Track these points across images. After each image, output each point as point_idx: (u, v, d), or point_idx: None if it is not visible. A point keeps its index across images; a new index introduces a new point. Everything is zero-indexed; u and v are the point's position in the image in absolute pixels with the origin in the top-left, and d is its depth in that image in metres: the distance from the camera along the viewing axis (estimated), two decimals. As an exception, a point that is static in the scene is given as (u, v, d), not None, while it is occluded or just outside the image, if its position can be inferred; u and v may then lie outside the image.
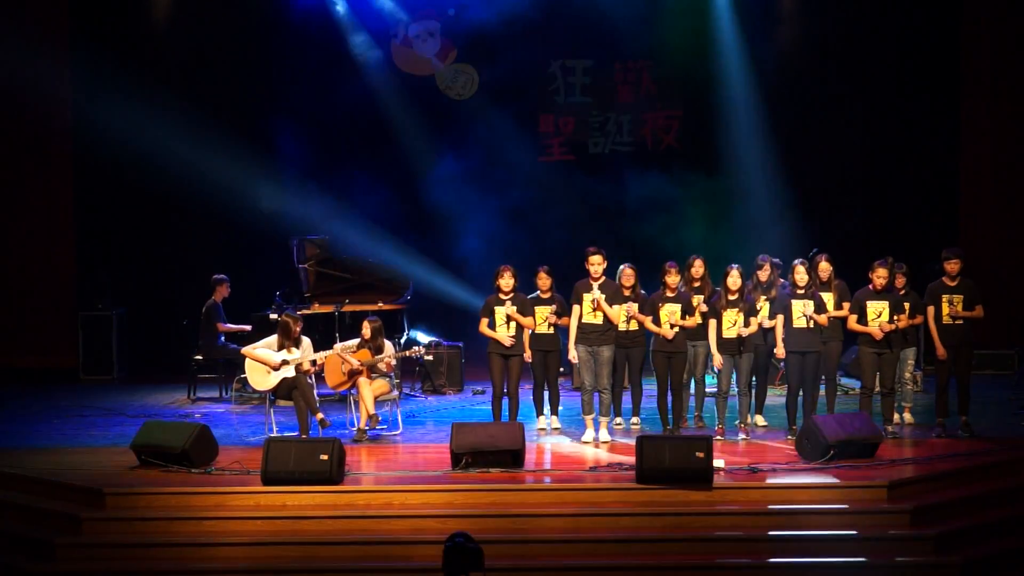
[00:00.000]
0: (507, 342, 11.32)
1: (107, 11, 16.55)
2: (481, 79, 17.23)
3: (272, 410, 11.78)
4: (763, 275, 11.56)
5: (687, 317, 11.13)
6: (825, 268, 11.41)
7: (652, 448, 9.65)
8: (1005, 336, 15.23)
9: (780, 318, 11.20)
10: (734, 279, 11.16)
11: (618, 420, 11.96)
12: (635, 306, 11.31)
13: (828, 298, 11.32)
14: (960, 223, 16.28)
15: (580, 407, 11.47)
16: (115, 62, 15.95)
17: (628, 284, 11.40)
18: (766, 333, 11.35)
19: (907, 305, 11.34)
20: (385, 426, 11.83)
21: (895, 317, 11.16)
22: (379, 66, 17.04)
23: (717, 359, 11.19)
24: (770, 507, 9.48)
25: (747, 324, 11.14)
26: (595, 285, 11.18)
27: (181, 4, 16.81)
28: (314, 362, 11.36)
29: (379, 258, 14.96)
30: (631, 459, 9.86)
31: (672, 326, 11.08)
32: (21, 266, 16.27)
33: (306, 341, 11.45)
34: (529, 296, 11.66)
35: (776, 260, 12.63)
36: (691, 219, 16.58)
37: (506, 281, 11.42)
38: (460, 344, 14.48)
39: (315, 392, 11.37)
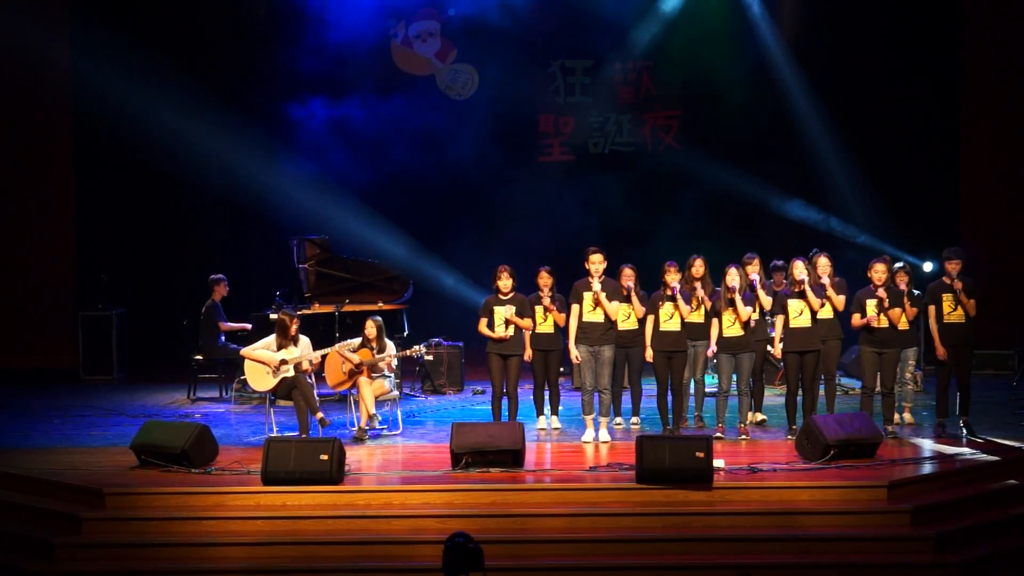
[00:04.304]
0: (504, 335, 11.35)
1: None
2: (481, 79, 17.24)
3: (272, 410, 11.78)
4: (751, 270, 11.54)
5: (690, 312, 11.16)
6: (825, 265, 11.39)
7: (652, 448, 9.65)
8: (1005, 336, 15.22)
9: (780, 318, 11.21)
10: (732, 278, 11.16)
11: (618, 420, 11.96)
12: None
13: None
14: (960, 223, 16.27)
15: (580, 407, 11.47)
16: (116, 47, 15.95)
17: (627, 284, 11.38)
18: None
19: (907, 301, 11.31)
20: (385, 426, 11.83)
21: (887, 310, 11.13)
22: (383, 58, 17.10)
23: (712, 350, 11.21)
24: (770, 507, 9.48)
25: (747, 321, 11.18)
26: (595, 280, 11.15)
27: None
28: (312, 361, 11.35)
29: (379, 258, 14.97)
30: (631, 459, 9.85)
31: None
32: (21, 266, 16.25)
33: (305, 340, 11.45)
34: (529, 296, 11.67)
35: (778, 262, 12.64)
36: (691, 219, 16.60)
37: (505, 282, 11.43)
38: (460, 344, 14.48)
39: (315, 392, 11.36)
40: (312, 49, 16.64)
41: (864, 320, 11.19)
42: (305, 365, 11.29)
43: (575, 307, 11.27)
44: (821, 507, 9.50)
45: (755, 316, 11.29)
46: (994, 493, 10.03)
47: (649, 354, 11.21)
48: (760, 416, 11.91)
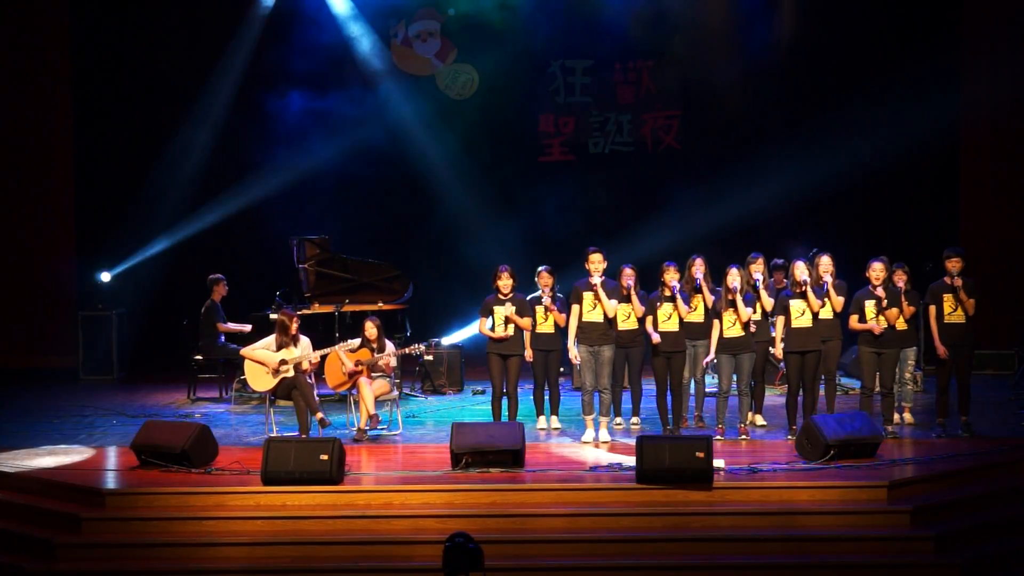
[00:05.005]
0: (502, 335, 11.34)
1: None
2: (481, 79, 17.24)
3: (272, 410, 11.78)
4: (755, 270, 11.55)
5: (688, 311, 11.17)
6: (827, 264, 11.39)
7: (652, 448, 9.65)
8: (1005, 336, 15.22)
9: (781, 319, 11.22)
10: (733, 278, 11.16)
11: (618, 420, 11.96)
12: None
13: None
14: (960, 223, 16.27)
15: (580, 407, 11.47)
16: (117, 46, 16.02)
17: (627, 283, 11.38)
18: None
19: (905, 300, 11.31)
20: (385, 426, 11.83)
21: (885, 310, 11.14)
22: (380, 59, 17.10)
23: (710, 356, 11.22)
24: (770, 507, 9.48)
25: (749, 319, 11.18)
26: (596, 276, 11.14)
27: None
28: (311, 361, 11.35)
29: (379, 257, 14.97)
30: (631, 459, 9.86)
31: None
32: (21, 266, 16.27)
33: (305, 340, 11.44)
34: (529, 296, 11.67)
35: (778, 260, 12.65)
36: (691, 219, 16.59)
37: (504, 282, 11.44)
38: (460, 344, 14.46)
39: (315, 392, 11.36)
40: (311, 49, 16.63)
41: (865, 326, 11.19)
42: (305, 365, 11.28)
43: (575, 307, 11.27)
44: (821, 507, 9.50)
45: (756, 317, 11.28)
46: (994, 493, 10.02)
47: (656, 337, 11.14)
48: (760, 420, 11.89)
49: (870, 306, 11.22)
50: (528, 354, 11.54)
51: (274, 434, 11.39)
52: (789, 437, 11.12)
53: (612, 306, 11.19)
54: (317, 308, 14.17)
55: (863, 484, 9.63)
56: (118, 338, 15.80)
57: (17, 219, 16.28)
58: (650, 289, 11.48)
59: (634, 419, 12.05)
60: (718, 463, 9.78)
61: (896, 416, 11.58)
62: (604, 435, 11.24)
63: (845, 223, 16.39)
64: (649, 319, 11.20)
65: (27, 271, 16.27)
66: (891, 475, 9.81)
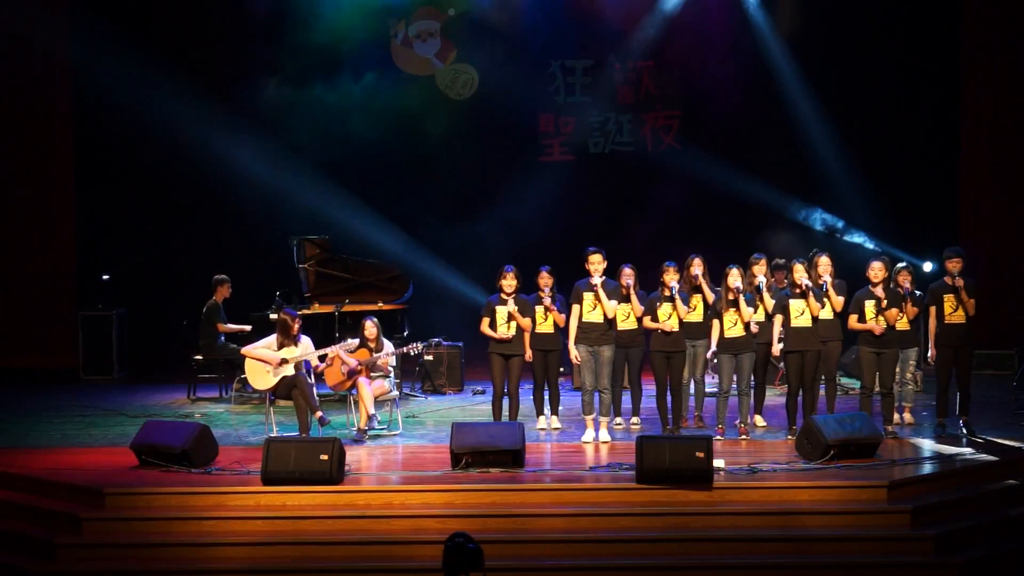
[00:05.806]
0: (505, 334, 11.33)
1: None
2: (481, 79, 17.24)
3: (272, 410, 11.78)
4: (758, 271, 11.56)
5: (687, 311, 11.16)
6: (826, 264, 11.39)
7: (652, 448, 9.65)
8: (1005, 336, 15.22)
9: (779, 318, 11.22)
10: (734, 278, 11.16)
11: (618, 420, 11.96)
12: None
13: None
14: (960, 223, 16.27)
15: (580, 407, 11.47)
16: (118, 45, 15.98)
17: (627, 283, 11.38)
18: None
19: (908, 301, 11.31)
20: (385, 426, 11.83)
21: (884, 310, 11.14)
22: (380, 59, 17.12)
23: (713, 348, 11.24)
24: (770, 507, 9.48)
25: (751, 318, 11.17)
26: (597, 277, 11.14)
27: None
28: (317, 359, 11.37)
29: (379, 258, 14.98)
30: (631, 459, 9.85)
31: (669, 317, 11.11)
32: (21, 266, 16.26)
33: (305, 340, 11.45)
34: (530, 296, 11.67)
35: (779, 261, 12.65)
36: (690, 219, 16.61)
37: (509, 283, 11.44)
38: (460, 344, 14.48)
39: (315, 392, 11.36)
40: (312, 48, 16.63)
41: (865, 327, 11.19)
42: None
43: (575, 307, 11.28)
44: (821, 507, 9.50)
45: (759, 318, 11.25)
46: (994, 493, 10.03)
47: (667, 326, 11.09)
48: (760, 420, 11.88)
49: (870, 306, 11.22)
50: (528, 354, 11.54)
51: (274, 434, 11.39)
52: (789, 437, 11.12)
53: (612, 307, 11.19)
54: (317, 308, 14.17)
55: (863, 484, 9.63)
56: (118, 338, 15.79)
57: (17, 219, 16.28)
58: (649, 289, 11.48)
59: (634, 419, 12.05)
60: (718, 463, 9.78)
61: (896, 416, 11.58)
62: (604, 435, 11.24)
63: (844, 223, 16.39)
64: (647, 318, 11.19)
65: (27, 271, 16.27)
66: (891, 475, 9.82)
